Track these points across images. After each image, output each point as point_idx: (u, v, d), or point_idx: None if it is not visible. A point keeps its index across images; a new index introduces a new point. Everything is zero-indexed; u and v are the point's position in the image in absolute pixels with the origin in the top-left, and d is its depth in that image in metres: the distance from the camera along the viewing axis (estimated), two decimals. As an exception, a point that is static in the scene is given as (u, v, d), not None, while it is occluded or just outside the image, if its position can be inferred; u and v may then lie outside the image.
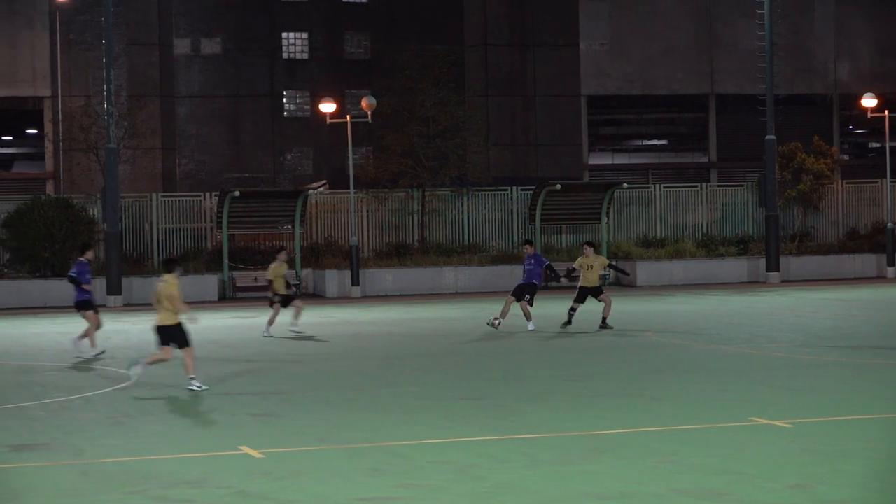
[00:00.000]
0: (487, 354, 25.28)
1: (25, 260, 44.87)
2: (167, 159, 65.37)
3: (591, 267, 29.39)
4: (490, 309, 32.61)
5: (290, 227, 46.99)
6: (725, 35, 69.61)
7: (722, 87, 69.94)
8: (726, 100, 69.76)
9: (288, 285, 30.80)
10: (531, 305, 29.82)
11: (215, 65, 69.62)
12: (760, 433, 15.32)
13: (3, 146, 69.49)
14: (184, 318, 20.19)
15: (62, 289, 43.19)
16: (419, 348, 26.24)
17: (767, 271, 48.34)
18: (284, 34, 71.01)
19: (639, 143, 74.62)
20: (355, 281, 45.08)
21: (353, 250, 45.38)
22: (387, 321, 32.82)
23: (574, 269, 29.93)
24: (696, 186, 53.90)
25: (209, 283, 44.77)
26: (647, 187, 53.73)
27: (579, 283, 29.64)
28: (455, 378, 21.35)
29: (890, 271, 49.93)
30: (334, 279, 45.63)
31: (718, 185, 56.24)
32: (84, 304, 25.71)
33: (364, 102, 46.23)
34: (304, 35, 71.19)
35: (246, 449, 14.80)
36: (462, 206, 50.59)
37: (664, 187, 53.18)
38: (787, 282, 48.26)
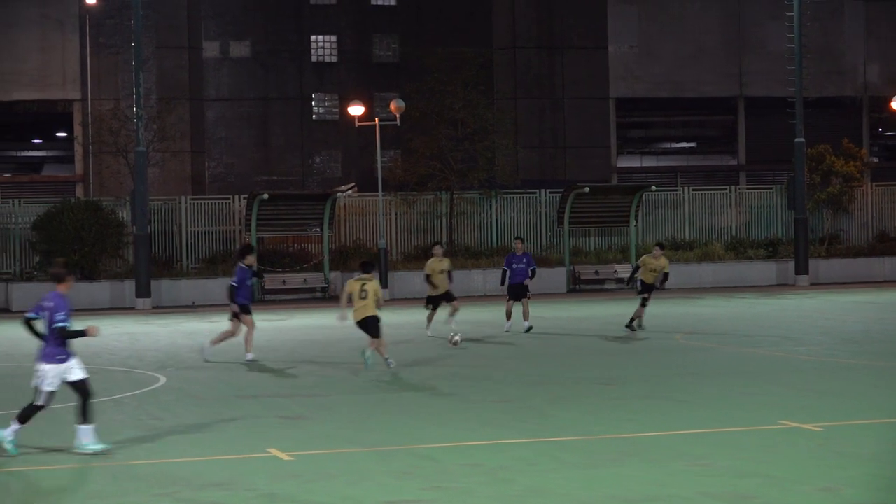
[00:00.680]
0: (514, 357, 25.29)
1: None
2: (196, 162, 65.51)
3: (655, 270, 29.85)
4: (518, 311, 32.54)
5: (318, 230, 47.03)
6: (754, 37, 69.35)
7: (751, 90, 69.66)
8: (755, 102, 69.44)
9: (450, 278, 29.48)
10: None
11: (244, 68, 69.77)
12: (790, 436, 15.28)
13: (33, 149, 69.86)
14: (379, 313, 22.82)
15: (91, 291, 43.56)
16: (446, 351, 26.22)
17: (796, 274, 48.23)
18: (313, 37, 71.09)
19: (667, 145, 74.42)
20: (384, 284, 45.11)
21: (381, 253, 45.43)
22: (414, 324, 32.80)
23: (638, 270, 30.30)
24: (725, 189, 53.76)
25: (238, 286, 44.72)
26: (676, 190, 53.61)
27: (639, 276, 30.11)
28: (483, 380, 21.33)
29: (920, 274, 49.80)
30: (363, 282, 45.55)
31: (747, 188, 56.03)
32: (244, 309, 25.36)
33: (393, 105, 46.19)
34: (333, 38, 71.27)
35: (274, 451, 14.84)
36: (490, 208, 50.57)
37: (693, 190, 53.05)
38: (816, 284, 48.10)
